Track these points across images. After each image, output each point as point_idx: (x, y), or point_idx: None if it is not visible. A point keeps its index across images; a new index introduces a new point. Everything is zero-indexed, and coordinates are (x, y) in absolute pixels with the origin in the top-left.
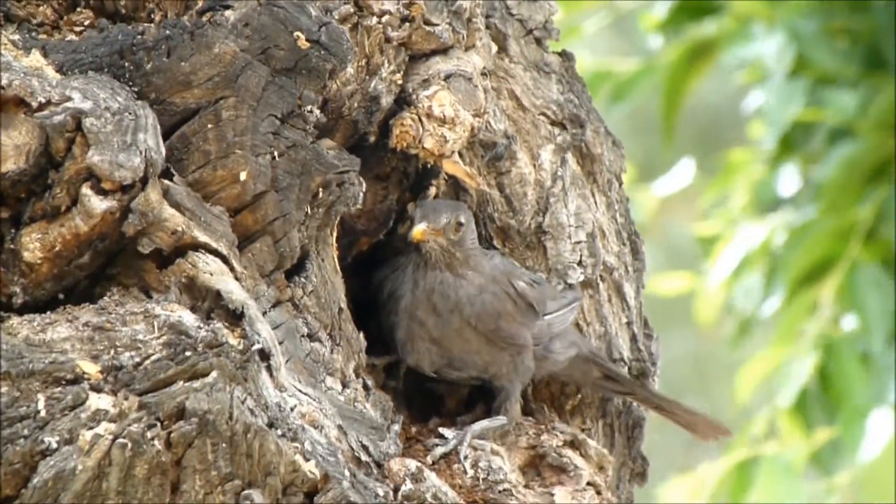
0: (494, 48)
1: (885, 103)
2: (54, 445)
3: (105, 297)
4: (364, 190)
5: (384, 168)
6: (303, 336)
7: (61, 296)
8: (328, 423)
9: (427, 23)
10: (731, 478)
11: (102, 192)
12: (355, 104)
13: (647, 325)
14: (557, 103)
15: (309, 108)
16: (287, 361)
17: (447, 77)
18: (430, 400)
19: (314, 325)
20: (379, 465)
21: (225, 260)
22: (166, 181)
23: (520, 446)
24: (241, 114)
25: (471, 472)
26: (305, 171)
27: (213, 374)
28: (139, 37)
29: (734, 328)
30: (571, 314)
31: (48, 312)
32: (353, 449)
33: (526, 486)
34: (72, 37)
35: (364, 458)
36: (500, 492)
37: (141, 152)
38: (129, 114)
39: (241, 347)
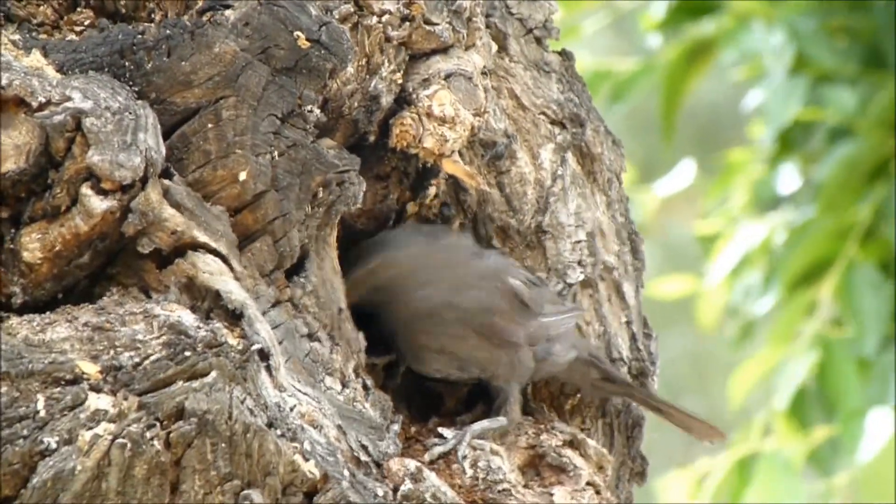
0: (494, 47)
1: (885, 102)
2: (53, 446)
3: (104, 297)
4: (364, 189)
5: (384, 167)
6: (302, 336)
7: (61, 296)
8: (327, 422)
9: (427, 22)
10: (731, 476)
11: (102, 192)
12: (355, 104)
13: (646, 325)
14: (557, 102)
15: (309, 107)
16: (286, 361)
17: (447, 76)
18: (430, 399)
19: (314, 324)
20: (378, 465)
21: (224, 260)
22: (166, 181)
23: (519, 446)
24: (242, 113)
25: (470, 472)
26: (305, 171)
27: (213, 374)
28: (139, 36)
29: (736, 331)
30: (571, 321)
31: (48, 312)
32: (352, 449)
33: (525, 486)
34: (72, 36)
35: (363, 457)
36: (499, 492)
37: (141, 152)
38: (130, 113)
39: (240, 347)
